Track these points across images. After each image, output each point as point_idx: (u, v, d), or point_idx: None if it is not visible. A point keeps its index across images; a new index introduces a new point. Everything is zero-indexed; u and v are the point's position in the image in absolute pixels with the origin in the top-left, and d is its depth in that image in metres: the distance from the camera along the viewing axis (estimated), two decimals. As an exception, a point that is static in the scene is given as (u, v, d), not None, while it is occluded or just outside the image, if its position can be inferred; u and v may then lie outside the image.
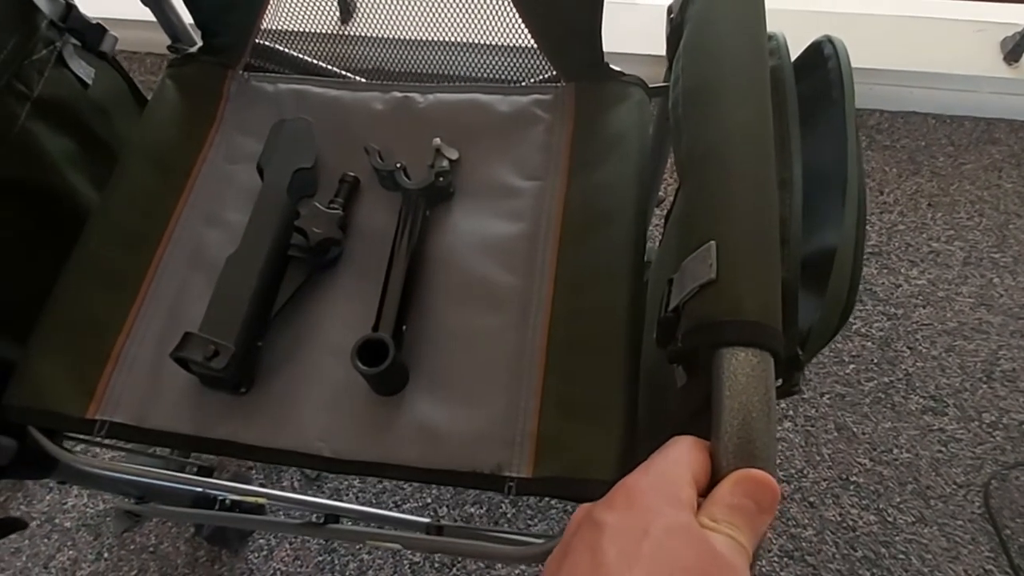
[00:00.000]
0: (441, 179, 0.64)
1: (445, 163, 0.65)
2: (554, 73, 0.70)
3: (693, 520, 0.26)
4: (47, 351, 0.58)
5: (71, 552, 1.03)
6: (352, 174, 0.66)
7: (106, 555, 1.02)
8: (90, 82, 0.69)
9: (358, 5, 1.27)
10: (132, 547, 1.03)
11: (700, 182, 0.39)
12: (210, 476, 0.81)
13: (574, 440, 0.53)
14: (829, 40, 0.48)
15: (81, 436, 0.58)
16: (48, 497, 1.07)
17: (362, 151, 0.67)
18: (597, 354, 0.55)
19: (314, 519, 0.66)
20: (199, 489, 0.75)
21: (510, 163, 0.66)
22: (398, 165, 0.65)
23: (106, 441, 0.61)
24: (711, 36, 0.45)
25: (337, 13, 1.25)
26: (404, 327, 0.57)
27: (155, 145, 0.70)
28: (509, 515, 1.03)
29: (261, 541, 1.02)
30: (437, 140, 0.66)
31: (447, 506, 1.04)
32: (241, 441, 0.55)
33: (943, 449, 1.06)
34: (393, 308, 0.57)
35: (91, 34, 0.69)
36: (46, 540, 1.04)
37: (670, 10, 0.56)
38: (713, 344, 0.32)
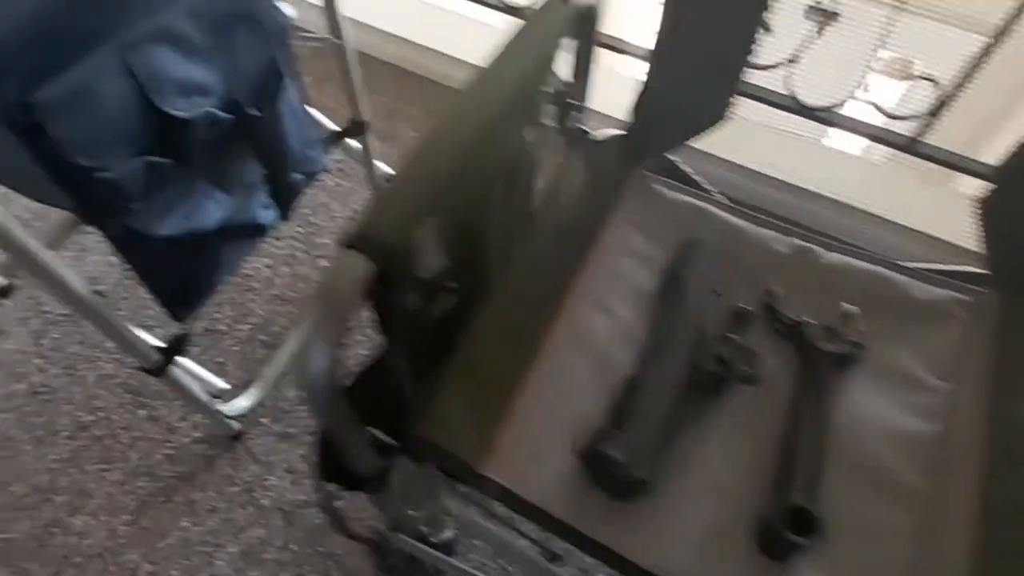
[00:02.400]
0: (851, 349, 0.63)
1: (855, 334, 0.64)
2: (977, 271, 0.68)
3: None
4: (454, 396, 0.60)
5: (261, 531, 1.05)
6: (748, 308, 0.67)
7: (293, 547, 1.03)
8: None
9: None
10: (320, 549, 1.03)
11: None
12: (552, 562, 0.79)
13: None
14: None
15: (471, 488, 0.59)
16: (253, 467, 1.10)
17: (753, 285, 0.68)
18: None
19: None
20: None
21: (919, 355, 0.64)
22: (803, 319, 0.65)
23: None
24: None
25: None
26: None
27: (560, 215, 0.73)
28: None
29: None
30: (849, 306, 0.65)
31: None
32: (617, 550, 0.55)
33: None
34: (806, 476, 0.55)
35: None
36: (242, 510, 1.06)
37: None
38: None
